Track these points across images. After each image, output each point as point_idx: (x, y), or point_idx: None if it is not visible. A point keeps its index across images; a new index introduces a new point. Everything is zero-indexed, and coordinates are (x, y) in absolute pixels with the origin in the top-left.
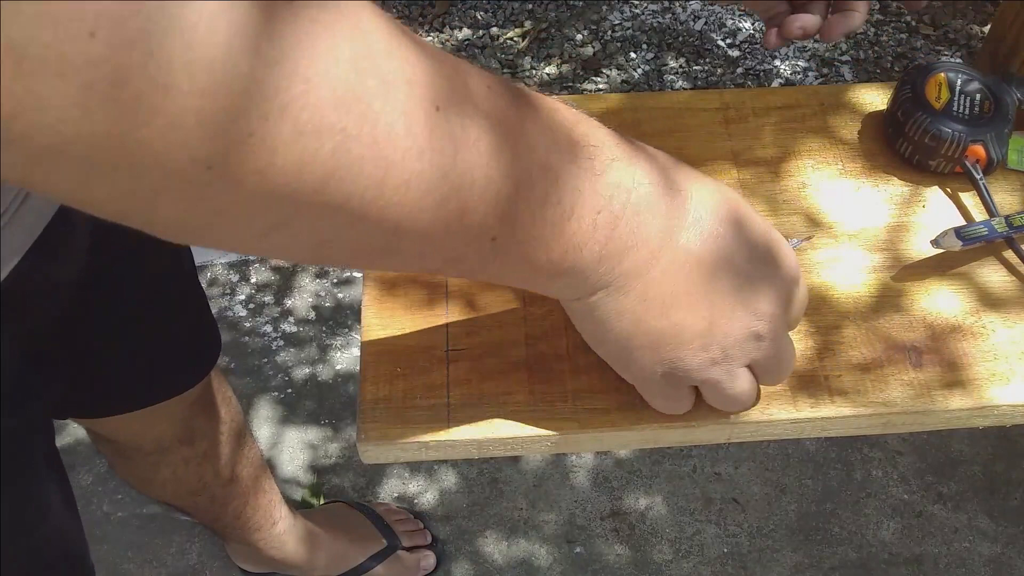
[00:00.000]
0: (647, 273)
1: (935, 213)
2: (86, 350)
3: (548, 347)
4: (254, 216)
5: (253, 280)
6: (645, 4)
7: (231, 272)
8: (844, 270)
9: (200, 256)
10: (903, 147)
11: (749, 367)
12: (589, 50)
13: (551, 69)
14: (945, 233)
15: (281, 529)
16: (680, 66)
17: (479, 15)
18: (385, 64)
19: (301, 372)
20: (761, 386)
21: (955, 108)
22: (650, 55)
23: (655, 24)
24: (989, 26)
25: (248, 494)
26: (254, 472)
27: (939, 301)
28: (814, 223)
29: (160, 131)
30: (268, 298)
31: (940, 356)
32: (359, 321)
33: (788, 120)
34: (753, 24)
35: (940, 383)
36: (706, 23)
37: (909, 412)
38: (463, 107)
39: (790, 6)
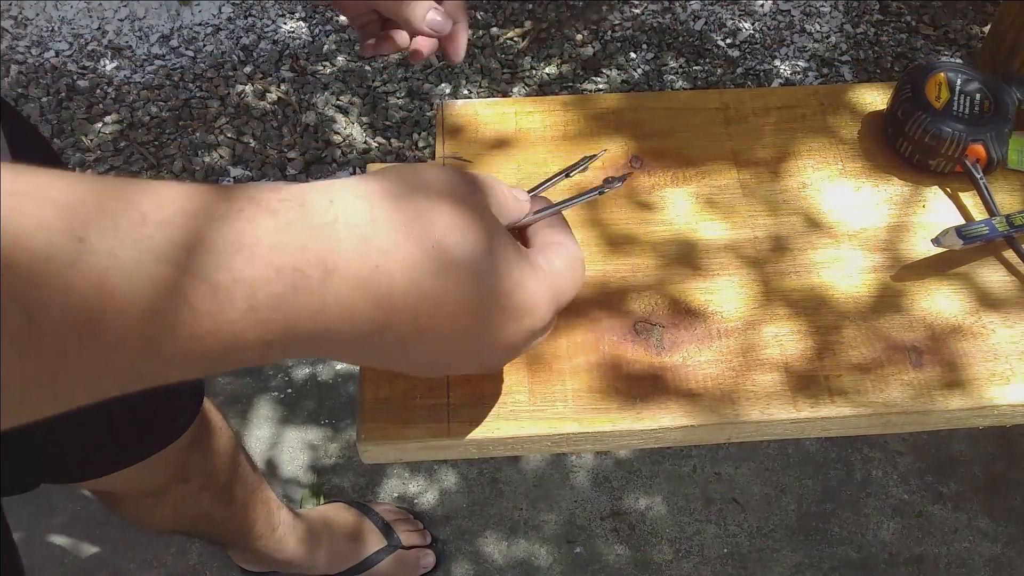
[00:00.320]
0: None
1: (935, 213)
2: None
3: (548, 347)
4: None
5: None
6: (645, 4)
7: None
8: (844, 270)
9: None
10: (903, 147)
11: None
12: (589, 50)
13: (551, 69)
14: (946, 232)
15: (282, 533)
16: (680, 66)
17: (479, 15)
18: None
19: (301, 372)
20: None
21: (955, 108)
22: (650, 55)
23: (655, 24)
24: (989, 26)
25: (247, 509)
26: (251, 488)
27: (939, 301)
28: (814, 223)
29: None
30: None
31: (940, 356)
32: None
33: (788, 120)
34: (753, 24)
35: (940, 383)
36: (706, 23)
37: (909, 412)
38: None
39: (381, 20)
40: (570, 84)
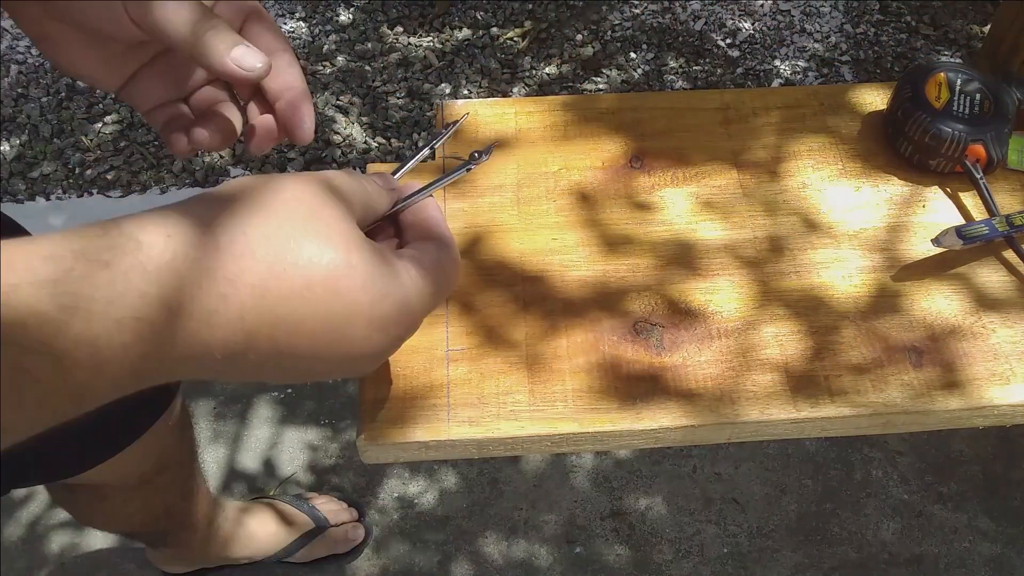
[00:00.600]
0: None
1: (935, 213)
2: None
3: (548, 347)
4: None
5: None
6: (645, 4)
7: None
8: (844, 270)
9: None
10: (903, 147)
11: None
12: (589, 50)
13: (551, 69)
14: (946, 232)
15: (216, 525)
16: (680, 66)
17: (479, 15)
18: None
19: None
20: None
21: (955, 108)
22: (650, 55)
23: (655, 24)
24: (989, 26)
25: (197, 504)
26: (201, 482)
27: (939, 301)
28: (814, 223)
29: None
30: None
31: (940, 356)
32: None
33: (788, 120)
34: (753, 24)
35: (940, 383)
36: (706, 23)
37: (909, 412)
38: None
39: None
40: (570, 84)
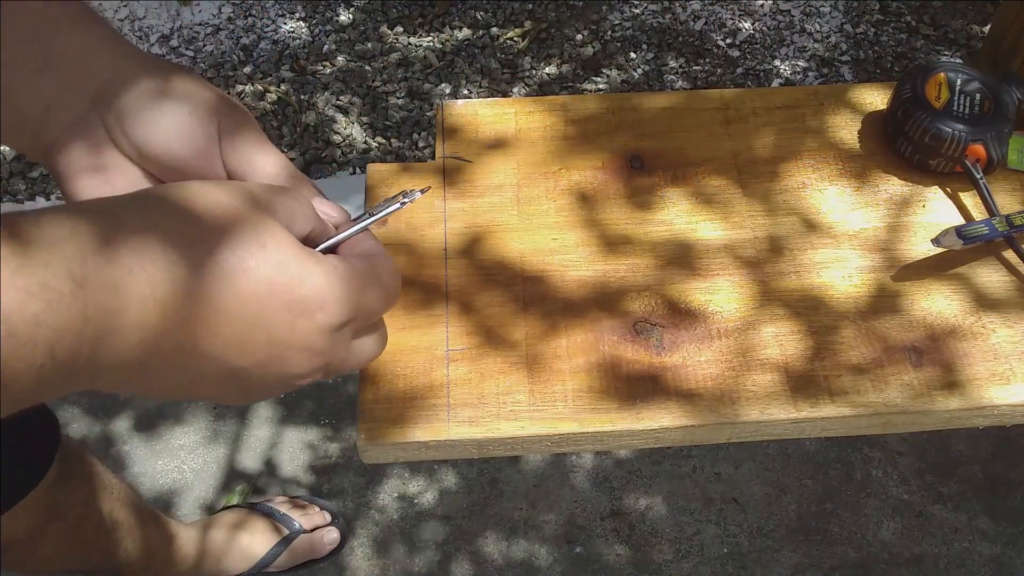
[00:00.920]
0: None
1: (935, 213)
2: None
3: (548, 347)
4: None
5: None
6: (645, 4)
7: None
8: (844, 270)
9: None
10: (903, 147)
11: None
12: (589, 50)
13: (551, 69)
14: (946, 232)
15: (178, 545)
16: (680, 66)
17: (479, 15)
18: None
19: None
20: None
21: (955, 108)
22: (650, 55)
23: (655, 24)
24: (989, 26)
25: (137, 529)
26: (135, 507)
27: (939, 301)
28: (814, 223)
29: None
30: None
31: (940, 356)
32: None
33: (788, 120)
34: (753, 24)
35: (940, 383)
36: (706, 23)
37: (909, 412)
38: None
39: None
40: (570, 84)
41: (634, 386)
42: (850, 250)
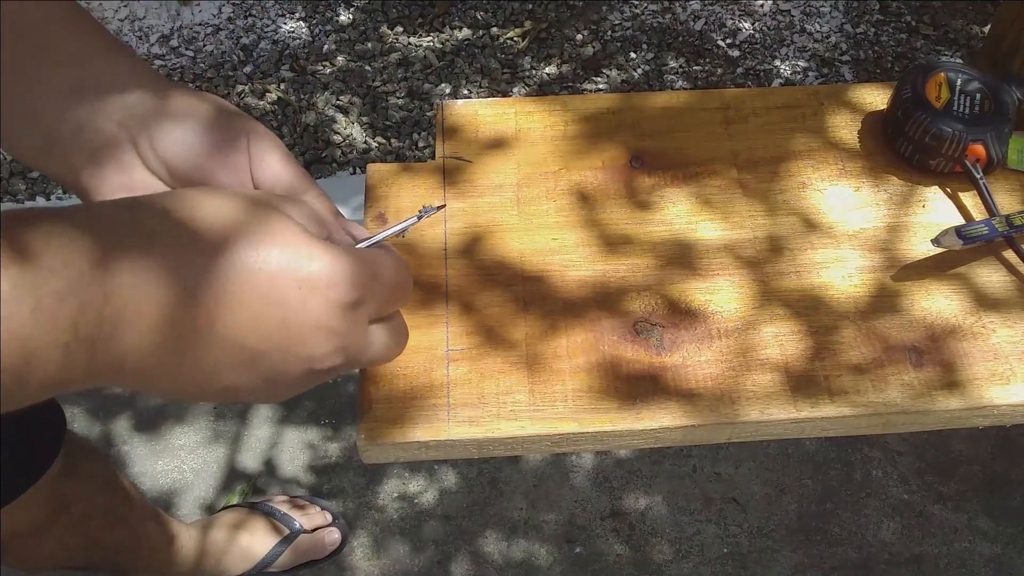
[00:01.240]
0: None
1: (935, 213)
2: None
3: (548, 347)
4: None
5: None
6: (645, 4)
7: None
8: (844, 270)
9: None
10: (903, 147)
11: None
12: (589, 50)
13: (551, 69)
14: (946, 232)
15: (179, 545)
16: (680, 66)
17: (479, 15)
18: None
19: None
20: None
21: (955, 108)
22: (650, 55)
23: (655, 24)
24: (989, 26)
25: (139, 526)
26: (137, 505)
27: (939, 301)
28: (814, 223)
29: None
30: None
31: (940, 356)
32: None
33: (788, 120)
34: (753, 24)
35: (940, 383)
36: (706, 23)
37: (909, 412)
38: None
39: None
40: (570, 84)
41: (634, 386)
42: (850, 250)
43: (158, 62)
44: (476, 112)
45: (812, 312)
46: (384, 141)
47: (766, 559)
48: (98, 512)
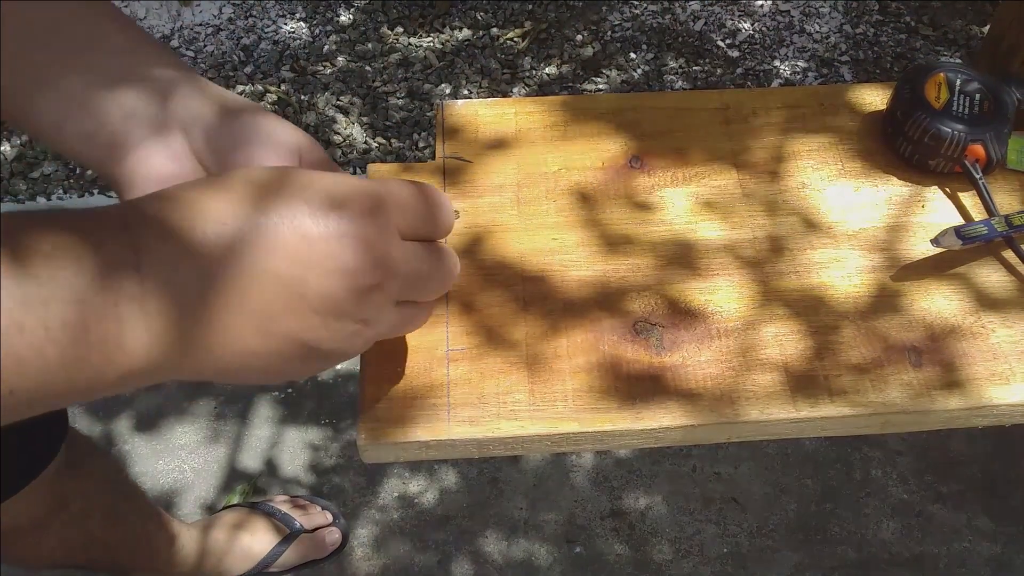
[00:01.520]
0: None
1: (934, 213)
2: None
3: (548, 347)
4: None
5: None
6: (645, 4)
7: None
8: (843, 270)
9: None
10: (903, 147)
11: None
12: (589, 50)
13: (551, 69)
14: (945, 232)
15: (180, 545)
16: (680, 66)
17: (479, 15)
18: None
19: None
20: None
21: (955, 108)
22: (650, 55)
23: (655, 24)
24: (989, 26)
25: (139, 525)
26: (138, 503)
27: (938, 301)
28: (813, 223)
29: None
30: None
31: (939, 356)
32: None
33: (788, 120)
34: (753, 24)
35: (940, 383)
36: (706, 23)
37: (909, 412)
38: None
39: None
40: (570, 84)
41: (634, 386)
42: (850, 250)
43: None
44: (476, 112)
45: (812, 312)
46: (384, 141)
47: (766, 559)
48: (98, 510)
